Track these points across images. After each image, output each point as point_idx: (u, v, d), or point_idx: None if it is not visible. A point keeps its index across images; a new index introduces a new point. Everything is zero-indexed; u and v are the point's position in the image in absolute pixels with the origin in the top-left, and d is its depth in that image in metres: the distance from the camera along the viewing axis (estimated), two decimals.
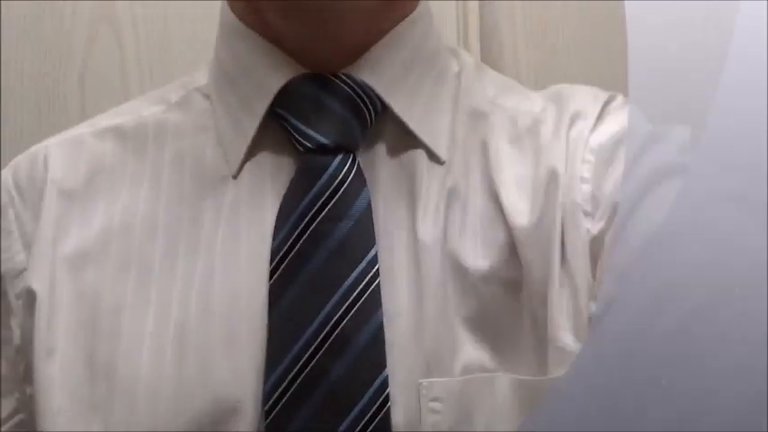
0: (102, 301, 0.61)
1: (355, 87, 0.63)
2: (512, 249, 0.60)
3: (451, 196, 0.62)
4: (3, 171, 0.68)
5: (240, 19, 0.65)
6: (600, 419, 0.47)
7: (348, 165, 0.61)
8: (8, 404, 0.66)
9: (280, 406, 0.57)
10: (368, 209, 0.61)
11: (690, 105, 0.54)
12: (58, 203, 0.64)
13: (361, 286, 0.59)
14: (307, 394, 0.57)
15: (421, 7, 0.66)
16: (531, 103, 0.66)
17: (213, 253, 0.61)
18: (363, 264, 0.59)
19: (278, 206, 0.61)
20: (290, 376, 0.57)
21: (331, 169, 0.61)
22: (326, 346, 0.58)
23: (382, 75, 0.63)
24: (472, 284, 0.60)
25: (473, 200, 0.62)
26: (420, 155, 0.63)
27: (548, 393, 0.57)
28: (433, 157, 0.63)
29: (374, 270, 0.59)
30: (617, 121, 0.63)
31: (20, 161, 0.68)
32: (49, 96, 1.01)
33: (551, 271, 0.59)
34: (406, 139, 0.64)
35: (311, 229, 0.60)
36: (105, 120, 0.69)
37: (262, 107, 0.63)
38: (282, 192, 0.62)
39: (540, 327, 0.59)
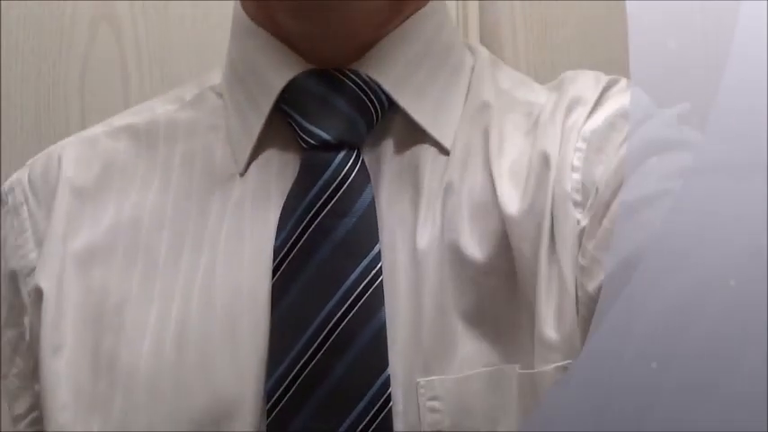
0: (108, 296, 0.62)
1: (361, 83, 0.62)
2: (506, 239, 0.60)
3: (451, 187, 0.61)
4: (18, 171, 0.68)
5: (252, 18, 0.65)
6: (600, 419, 0.47)
7: (352, 161, 0.61)
8: (24, 401, 0.66)
9: (281, 405, 0.57)
10: (371, 205, 0.60)
11: (690, 105, 0.54)
12: (70, 201, 0.65)
13: (363, 284, 0.58)
14: (308, 393, 0.57)
15: (434, 2, 0.66)
16: (536, 95, 0.66)
17: (216, 249, 0.61)
18: (366, 261, 0.59)
19: (282, 203, 0.61)
20: (291, 375, 0.57)
21: (334, 165, 0.61)
22: (329, 344, 0.57)
23: (390, 70, 0.63)
24: (470, 277, 0.59)
25: (472, 190, 0.61)
26: (427, 149, 0.63)
27: (548, 391, 0.56)
28: (440, 150, 0.63)
29: (377, 268, 0.59)
30: (616, 102, 0.61)
31: (36, 161, 0.68)
32: (49, 96, 1.01)
33: (539, 262, 0.58)
34: (414, 135, 0.63)
35: (314, 225, 0.60)
36: (121, 119, 0.69)
37: (267, 104, 0.64)
38: (287, 189, 0.62)
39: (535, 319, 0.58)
